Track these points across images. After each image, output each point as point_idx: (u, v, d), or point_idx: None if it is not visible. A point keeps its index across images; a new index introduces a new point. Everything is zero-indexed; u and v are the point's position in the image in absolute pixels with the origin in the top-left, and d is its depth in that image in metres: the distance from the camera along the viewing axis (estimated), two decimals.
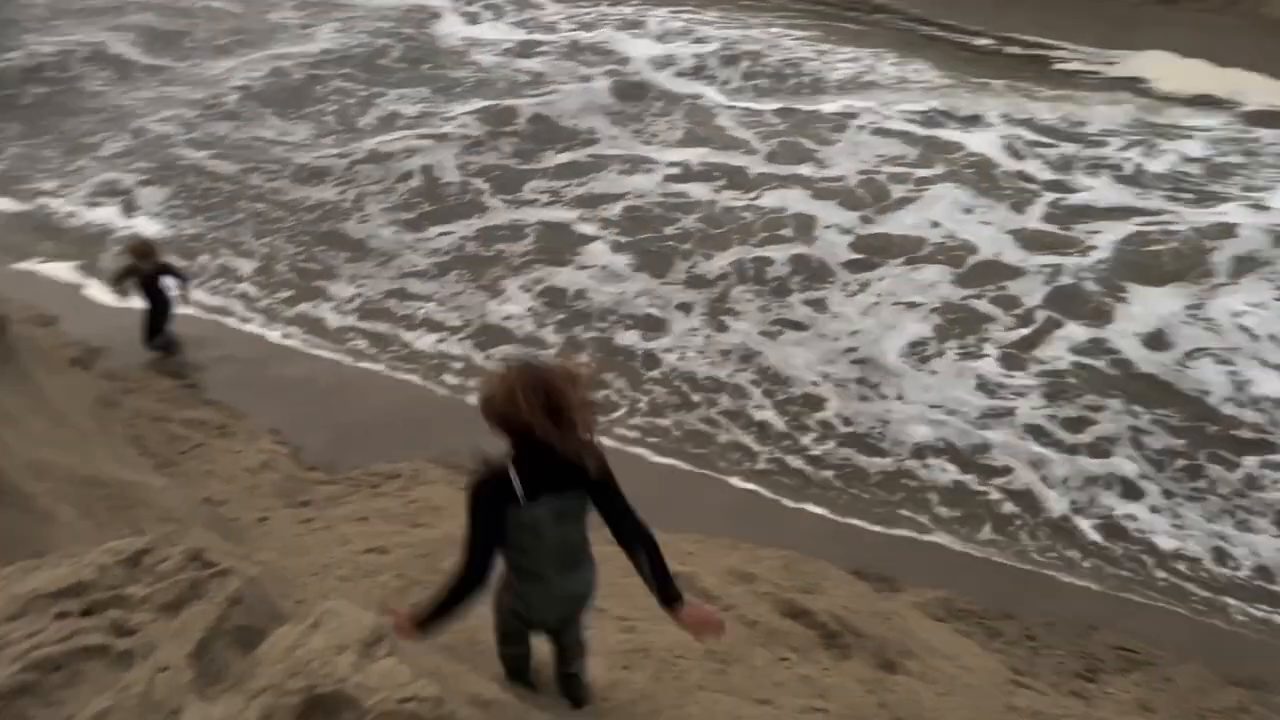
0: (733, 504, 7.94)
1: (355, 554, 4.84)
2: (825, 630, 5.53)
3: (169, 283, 10.21)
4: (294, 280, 11.68)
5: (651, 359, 10.00)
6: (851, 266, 11.94)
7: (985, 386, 9.36)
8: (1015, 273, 11.57)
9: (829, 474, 8.34)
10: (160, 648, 1.88)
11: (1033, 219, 12.88)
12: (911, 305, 11.05)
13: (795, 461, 8.49)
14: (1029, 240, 12.35)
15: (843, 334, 10.57)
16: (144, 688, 1.80)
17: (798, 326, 10.73)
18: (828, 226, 12.79)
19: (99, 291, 11.22)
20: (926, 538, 7.60)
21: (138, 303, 10.04)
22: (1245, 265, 11.48)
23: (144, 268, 10.13)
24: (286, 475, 7.22)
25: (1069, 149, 14.26)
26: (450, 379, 9.56)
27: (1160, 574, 7.21)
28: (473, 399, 9.36)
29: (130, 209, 13.83)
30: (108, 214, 13.64)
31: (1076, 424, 8.72)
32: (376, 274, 11.66)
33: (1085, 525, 7.68)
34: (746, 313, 10.91)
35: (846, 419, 8.99)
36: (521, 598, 3.31)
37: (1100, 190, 13.37)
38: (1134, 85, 15.81)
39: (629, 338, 10.39)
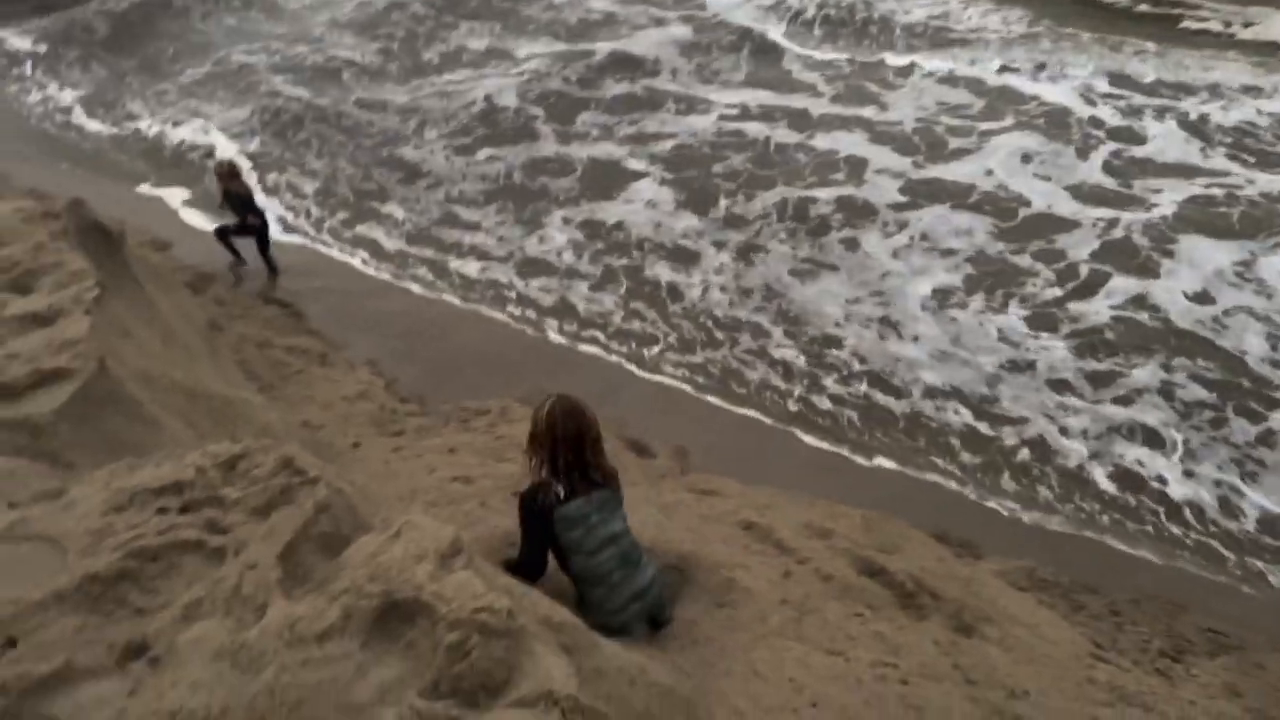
0: (811, 459, 7.89)
1: (442, 481, 4.96)
2: (902, 590, 5.48)
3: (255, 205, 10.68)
4: (353, 201, 12.33)
5: (677, 292, 10.22)
6: (896, 209, 12.04)
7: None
8: (1068, 225, 11.46)
9: (851, 413, 8.42)
10: (250, 547, 1.97)
11: (1095, 173, 12.73)
12: (947, 253, 11.04)
13: (822, 402, 8.56)
14: (1088, 194, 12.19)
15: (872, 277, 10.60)
16: (234, 582, 1.88)
17: (829, 267, 10.84)
18: (879, 171, 12.89)
19: (208, 220, 11.59)
20: (1008, 506, 7.46)
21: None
22: None
23: (234, 189, 10.53)
24: (381, 405, 7.42)
25: (1153, 103, 13.99)
26: (538, 320, 9.74)
27: (1256, 561, 7.00)
28: (556, 339, 9.54)
29: (212, 130, 14.82)
30: (192, 135, 14.46)
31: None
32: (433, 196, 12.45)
33: (1187, 502, 7.46)
34: (777, 251, 11.07)
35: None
36: (595, 608, 3.70)
37: (1171, 147, 13.12)
38: (1268, 48, 14.99)
39: (661, 270, 10.61)
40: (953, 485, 7.72)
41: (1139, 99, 14.03)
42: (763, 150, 13.42)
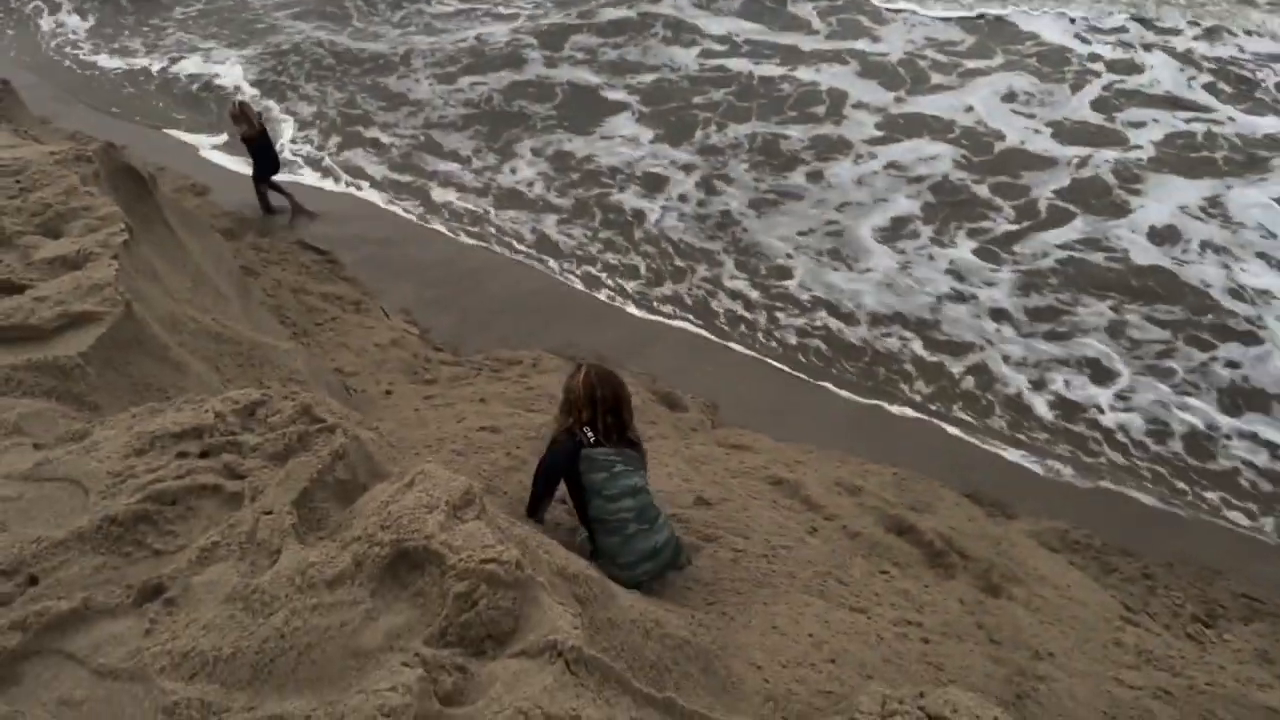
0: (848, 415, 7.84)
1: (470, 430, 4.99)
2: (931, 549, 5.45)
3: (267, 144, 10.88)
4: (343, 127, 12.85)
5: (642, 216, 10.61)
6: (869, 142, 12.33)
7: None
8: (1042, 162, 11.66)
9: (794, 338, 8.78)
10: (267, 492, 1.99)
11: (1082, 109, 12.92)
12: (912, 180, 11.38)
13: (777, 331, 8.85)
14: (1069, 131, 12.34)
15: (829, 207, 10.95)
16: (249, 527, 1.90)
17: (792, 196, 11.20)
18: (858, 105, 13.19)
19: (244, 165, 11.64)
20: (1044, 464, 7.36)
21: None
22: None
23: (247, 131, 10.66)
24: (414, 353, 7.46)
25: (1151, 39, 14.19)
26: (572, 271, 9.76)
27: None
28: (585, 290, 9.49)
29: (225, 67, 15.55)
30: (197, 70, 15.06)
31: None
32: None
33: (1119, 427, 7.66)
34: (743, 181, 11.37)
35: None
36: (607, 557, 3.79)
37: (1163, 81, 13.36)
38: None
39: (628, 199, 10.98)
40: (975, 440, 7.62)
41: (1139, 36, 14.24)
42: (746, 83, 13.82)
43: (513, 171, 11.79)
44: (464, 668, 1.64)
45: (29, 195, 3.35)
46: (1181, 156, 11.84)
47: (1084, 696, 4.21)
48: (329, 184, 11.79)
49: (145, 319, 2.81)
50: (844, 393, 8.08)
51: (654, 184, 11.45)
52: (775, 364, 8.51)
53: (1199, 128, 12.39)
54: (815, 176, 11.72)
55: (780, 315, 9.12)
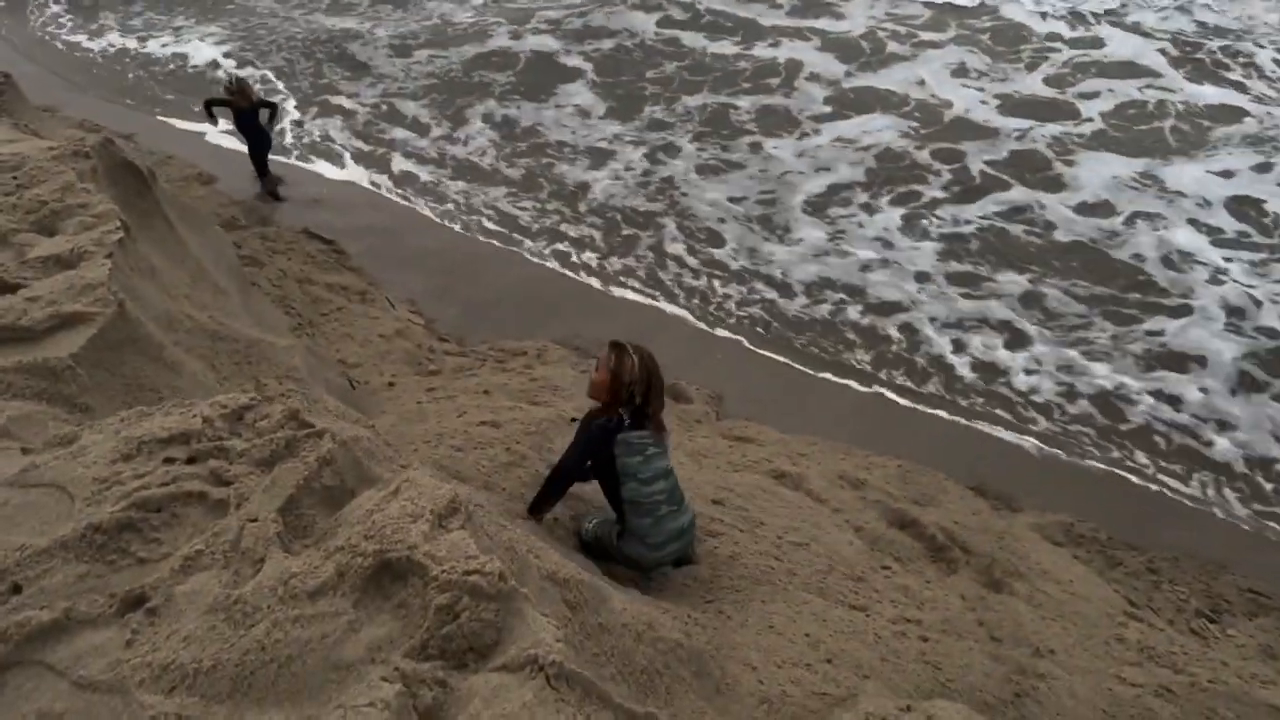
0: (851, 405, 7.80)
1: (470, 425, 4.98)
2: (933, 543, 5.43)
3: (264, 116, 10.98)
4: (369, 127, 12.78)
5: (587, 188, 11.03)
6: (818, 117, 12.70)
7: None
8: (986, 133, 12.02)
9: (732, 305, 9.11)
10: (252, 499, 1.98)
11: (1034, 83, 13.27)
12: (857, 149, 11.77)
13: (715, 298, 9.21)
14: (1017, 104, 12.70)
15: (769, 176, 11.40)
16: (234, 536, 1.89)
17: (734, 166, 11.60)
18: (809, 77, 13.70)
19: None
20: (1043, 448, 7.32)
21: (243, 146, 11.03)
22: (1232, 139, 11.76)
23: (242, 105, 10.72)
24: (419, 344, 7.45)
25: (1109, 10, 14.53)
26: (577, 261, 9.76)
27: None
28: (593, 283, 9.48)
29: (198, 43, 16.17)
30: (176, 50, 15.43)
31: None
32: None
33: (1032, 390, 8.02)
34: (688, 152, 11.81)
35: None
36: (638, 538, 3.87)
37: (1121, 53, 13.76)
38: None
39: (574, 171, 11.43)
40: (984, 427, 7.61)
41: (1099, 7, 14.70)
42: (700, 57, 14.34)
43: (464, 143, 12.39)
44: (444, 682, 1.63)
45: (25, 192, 3.34)
46: (1128, 129, 12.12)
47: (1084, 694, 4.20)
48: (329, 169, 11.85)
49: (139, 318, 2.80)
50: (848, 381, 8.07)
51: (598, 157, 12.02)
52: (774, 355, 8.46)
53: (1150, 99, 12.70)
54: (757, 147, 12.16)
55: (716, 283, 9.61)
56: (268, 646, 1.66)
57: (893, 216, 10.55)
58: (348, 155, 12.10)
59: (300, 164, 12.00)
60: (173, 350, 2.93)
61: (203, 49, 15.73)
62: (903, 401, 7.86)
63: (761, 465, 5.96)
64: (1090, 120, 12.31)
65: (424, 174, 11.55)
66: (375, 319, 7.74)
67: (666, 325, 8.60)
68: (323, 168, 11.95)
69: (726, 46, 14.55)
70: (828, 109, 12.98)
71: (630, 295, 9.13)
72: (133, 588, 1.79)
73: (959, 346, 8.47)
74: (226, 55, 15.17)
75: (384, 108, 13.23)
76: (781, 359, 8.28)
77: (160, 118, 13.20)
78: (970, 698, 3.63)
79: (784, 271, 9.60)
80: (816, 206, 10.81)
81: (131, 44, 16.39)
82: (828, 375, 8.09)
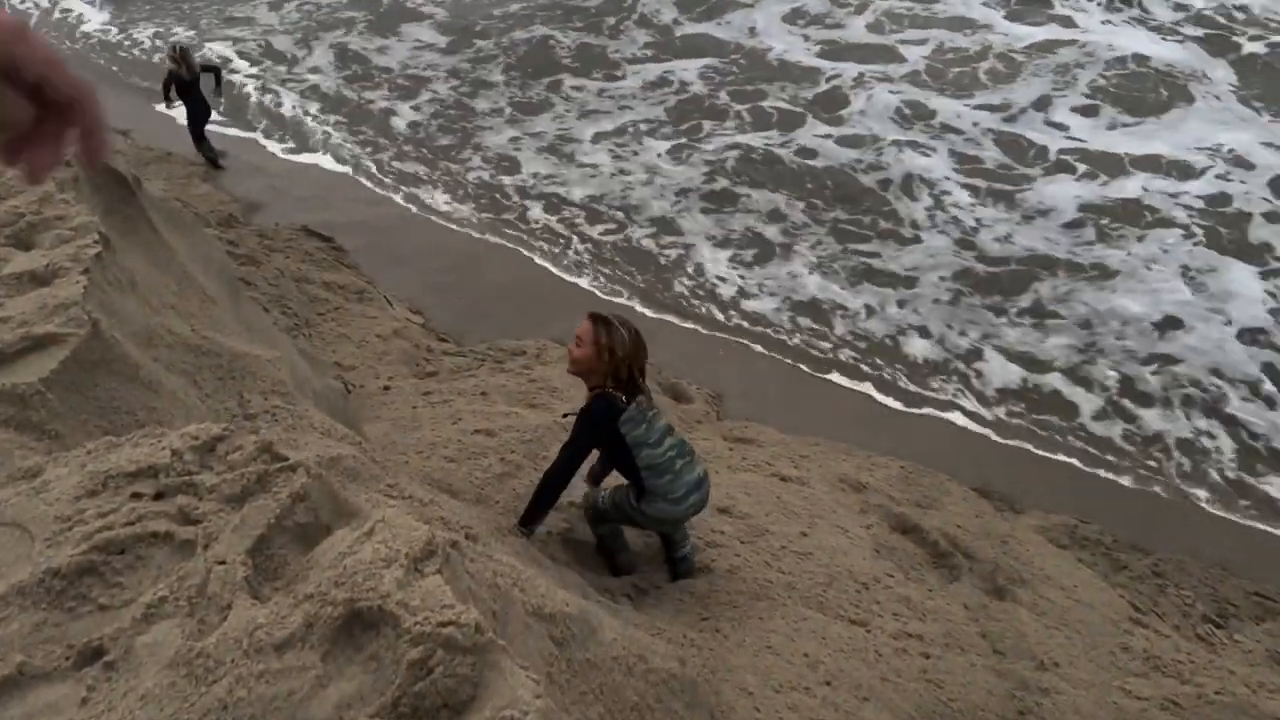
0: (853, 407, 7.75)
1: (464, 434, 4.90)
2: (935, 549, 5.36)
3: (211, 81, 11.09)
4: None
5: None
6: (633, 60, 13.78)
7: None
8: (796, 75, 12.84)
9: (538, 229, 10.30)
10: (221, 539, 1.89)
11: (859, 31, 13.96)
12: (669, 89, 12.56)
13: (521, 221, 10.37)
14: (843, 49, 13.55)
15: (569, 117, 12.47)
16: (200, 580, 1.81)
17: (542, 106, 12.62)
18: (638, 20, 14.43)
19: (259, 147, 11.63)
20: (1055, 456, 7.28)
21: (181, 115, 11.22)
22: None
23: (184, 75, 10.73)
24: (416, 344, 7.38)
25: None
26: (571, 260, 9.81)
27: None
28: (588, 281, 9.46)
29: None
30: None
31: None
32: None
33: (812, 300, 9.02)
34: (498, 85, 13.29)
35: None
36: (660, 495, 3.96)
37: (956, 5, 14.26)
38: None
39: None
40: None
41: None
42: None
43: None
44: None
45: (1, 204, 3.26)
46: (942, 72, 12.94)
47: (1089, 710, 4.12)
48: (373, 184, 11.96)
49: (114, 338, 2.72)
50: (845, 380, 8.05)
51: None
52: (770, 353, 8.41)
53: (973, 45, 13.64)
54: (556, 86, 13.28)
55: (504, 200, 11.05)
56: (230, 705, 1.58)
57: (665, 146, 11.54)
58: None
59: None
60: (151, 369, 2.85)
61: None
62: (650, 313, 8.73)
63: (763, 469, 5.90)
64: (906, 61, 13.12)
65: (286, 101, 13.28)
66: (373, 318, 7.67)
67: (663, 326, 8.55)
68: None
69: None
70: (648, 52, 13.96)
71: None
72: (91, 639, 1.71)
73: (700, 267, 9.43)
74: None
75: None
76: (785, 359, 8.22)
77: (160, 109, 13.19)
78: (973, 717, 3.55)
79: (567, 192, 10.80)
80: (604, 137, 11.77)
81: (136, 34, 16.35)
82: (832, 377, 8.04)
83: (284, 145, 12.60)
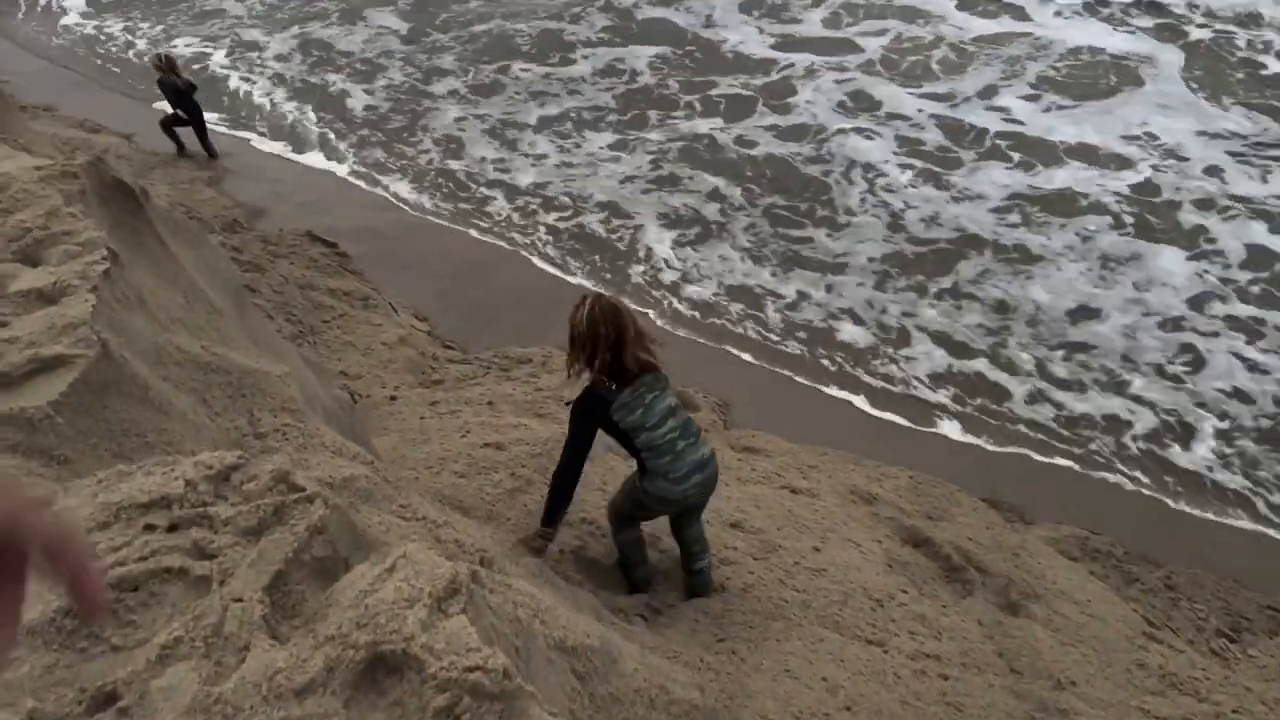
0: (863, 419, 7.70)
1: (473, 447, 4.84)
2: (948, 563, 5.30)
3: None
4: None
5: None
6: (589, 43, 14.13)
7: None
8: (752, 66, 13.02)
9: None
10: (237, 575, 1.84)
11: (815, 24, 14.13)
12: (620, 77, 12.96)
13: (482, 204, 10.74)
14: (798, 41, 13.82)
15: (517, 101, 12.90)
16: (217, 619, 1.75)
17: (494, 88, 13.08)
18: (602, 7, 14.87)
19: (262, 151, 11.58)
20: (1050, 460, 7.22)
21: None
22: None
23: (178, 82, 10.85)
24: (422, 351, 7.33)
25: None
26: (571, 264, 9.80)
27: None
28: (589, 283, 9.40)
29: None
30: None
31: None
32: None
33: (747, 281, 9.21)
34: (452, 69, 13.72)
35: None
36: (661, 475, 3.91)
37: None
38: None
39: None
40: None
41: None
42: None
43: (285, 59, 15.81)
44: None
45: (8, 218, 3.20)
46: (896, 63, 13.03)
47: None
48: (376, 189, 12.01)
49: (124, 358, 2.66)
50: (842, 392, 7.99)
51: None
52: (761, 362, 8.36)
53: (926, 35, 13.72)
54: (505, 70, 13.56)
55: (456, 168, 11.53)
56: None
57: (611, 136, 11.79)
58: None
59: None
60: (161, 389, 2.79)
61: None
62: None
63: (773, 480, 5.85)
64: (862, 52, 13.27)
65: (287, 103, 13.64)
66: (378, 326, 7.62)
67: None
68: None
69: None
70: (604, 36, 14.23)
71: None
72: (104, 682, 1.65)
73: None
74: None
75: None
76: (785, 371, 8.17)
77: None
78: None
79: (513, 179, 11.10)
80: (547, 124, 12.15)
81: (139, 40, 16.34)
82: (836, 389, 7.98)
83: (284, 145, 12.55)
